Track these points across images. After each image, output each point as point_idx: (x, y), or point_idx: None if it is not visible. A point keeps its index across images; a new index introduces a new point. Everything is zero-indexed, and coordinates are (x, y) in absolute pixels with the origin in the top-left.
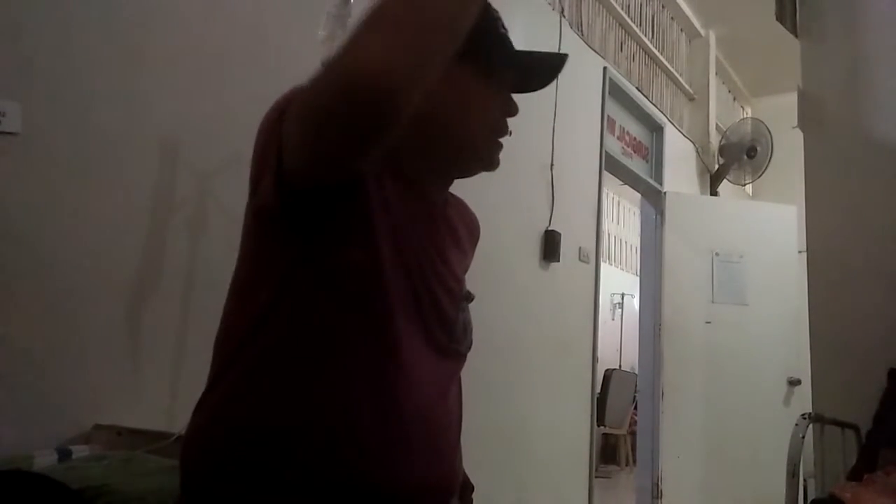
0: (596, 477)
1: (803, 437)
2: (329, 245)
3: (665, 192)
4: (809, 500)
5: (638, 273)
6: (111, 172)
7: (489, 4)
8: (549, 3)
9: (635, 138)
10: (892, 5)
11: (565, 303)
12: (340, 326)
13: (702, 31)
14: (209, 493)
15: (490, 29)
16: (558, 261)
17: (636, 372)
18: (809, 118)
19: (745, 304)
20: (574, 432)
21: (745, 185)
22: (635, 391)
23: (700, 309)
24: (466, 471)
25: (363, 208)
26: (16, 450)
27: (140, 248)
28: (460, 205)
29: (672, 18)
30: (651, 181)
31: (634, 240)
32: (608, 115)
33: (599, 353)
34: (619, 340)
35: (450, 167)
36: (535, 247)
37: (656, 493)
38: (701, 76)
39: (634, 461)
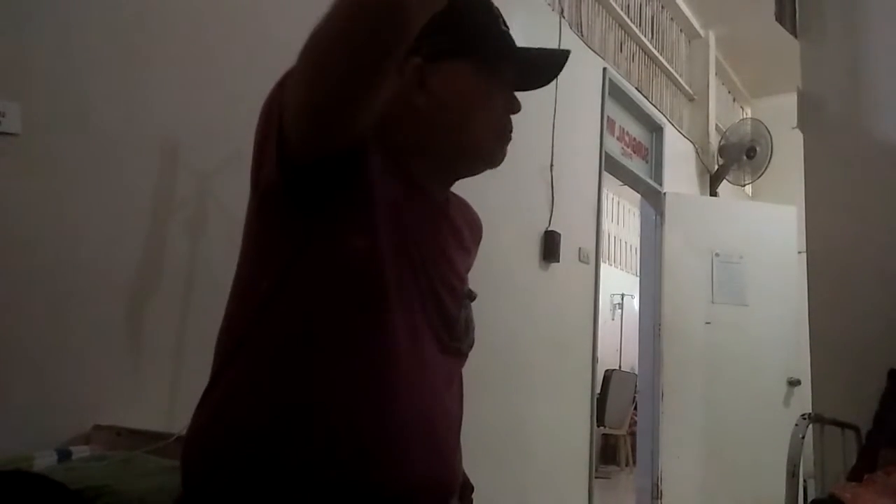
0: (596, 477)
1: (803, 438)
2: (330, 235)
3: (665, 193)
4: (809, 501)
5: (638, 273)
6: (111, 172)
7: (490, 3)
8: (549, 4)
9: (635, 139)
10: (892, 5)
11: (565, 303)
12: (340, 322)
13: (701, 32)
14: (210, 492)
15: (491, 26)
16: (558, 261)
17: (636, 372)
18: (809, 118)
19: (744, 305)
20: (574, 433)
21: (744, 185)
22: (635, 392)
23: (700, 309)
24: (466, 471)
25: (364, 198)
26: (16, 450)
27: (140, 248)
28: (463, 204)
29: (672, 19)
30: (651, 182)
31: (634, 240)
32: (608, 116)
33: (599, 354)
34: (618, 341)
35: (453, 166)
36: (534, 247)
37: (656, 494)
38: (701, 77)
39: (634, 461)
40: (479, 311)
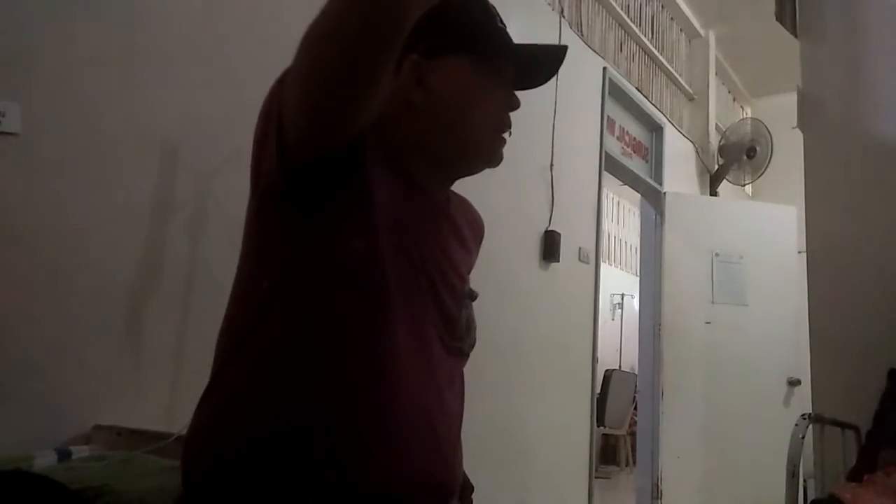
0: (596, 477)
1: (803, 438)
2: (330, 235)
3: (665, 193)
4: (809, 501)
5: (638, 273)
6: (111, 172)
7: (487, 1)
8: (549, 4)
9: (635, 138)
10: (892, 5)
11: (565, 303)
12: (340, 323)
13: (701, 32)
14: (210, 491)
15: (488, 23)
16: (558, 261)
17: (636, 372)
18: (809, 118)
19: (744, 305)
20: (574, 433)
21: (744, 185)
22: (635, 391)
23: (700, 309)
24: (466, 471)
25: (364, 198)
26: (16, 450)
27: (140, 248)
28: (464, 203)
29: (672, 18)
30: (651, 181)
31: (634, 240)
32: (608, 116)
33: (599, 354)
34: (619, 341)
35: (453, 165)
36: (534, 247)
37: (656, 494)
38: (701, 76)
39: (634, 461)
40: (479, 311)
